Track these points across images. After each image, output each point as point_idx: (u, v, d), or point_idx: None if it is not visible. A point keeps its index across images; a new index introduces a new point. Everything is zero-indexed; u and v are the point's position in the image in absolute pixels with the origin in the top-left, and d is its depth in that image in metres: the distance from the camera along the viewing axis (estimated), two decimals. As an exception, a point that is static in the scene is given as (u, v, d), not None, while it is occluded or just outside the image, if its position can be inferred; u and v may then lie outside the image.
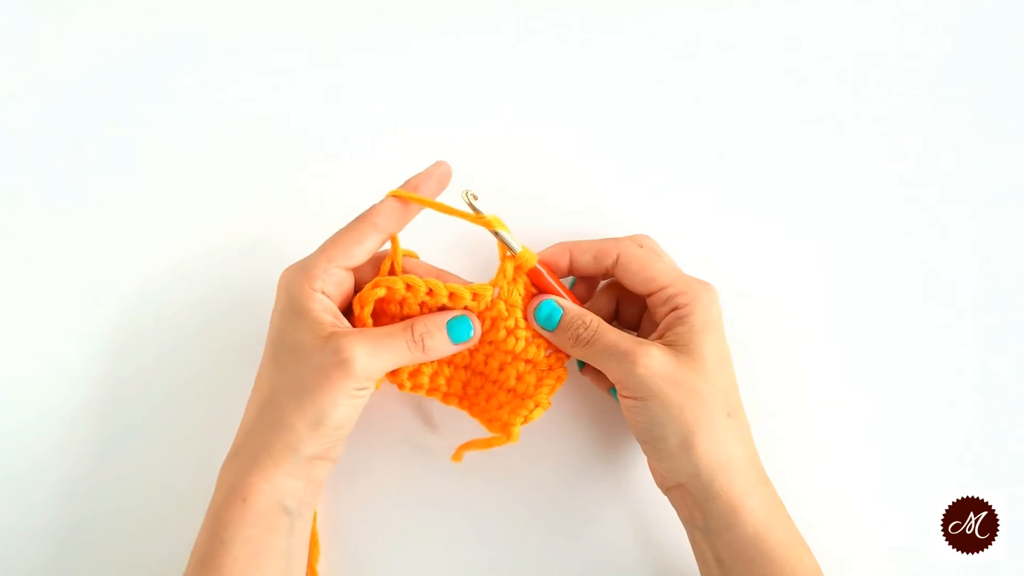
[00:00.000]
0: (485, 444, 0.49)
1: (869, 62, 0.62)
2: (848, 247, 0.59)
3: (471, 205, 0.48)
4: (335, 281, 0.47)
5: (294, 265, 0.48)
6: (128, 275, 0.59)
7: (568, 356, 0.51)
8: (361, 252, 0.48)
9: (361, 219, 0.48)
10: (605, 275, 0.52)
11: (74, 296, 0.59)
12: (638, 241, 0.53)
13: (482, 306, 0.49)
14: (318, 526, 0.53)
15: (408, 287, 0.48)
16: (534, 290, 0.50)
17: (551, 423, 0.55)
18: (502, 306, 0.49)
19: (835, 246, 0.59)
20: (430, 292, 0.48)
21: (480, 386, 0.52)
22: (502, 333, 0.50)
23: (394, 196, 0.48)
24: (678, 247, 0.54)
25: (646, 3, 0.64)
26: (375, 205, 0.48)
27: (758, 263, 0.59)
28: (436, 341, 0.48)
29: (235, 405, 0.50)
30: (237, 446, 0.47)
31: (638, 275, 0.49)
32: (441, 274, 0.51)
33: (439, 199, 0.49)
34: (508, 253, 0.49)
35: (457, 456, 0.51)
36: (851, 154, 0.61)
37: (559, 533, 0.54)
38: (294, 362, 0.46)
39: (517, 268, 0.49)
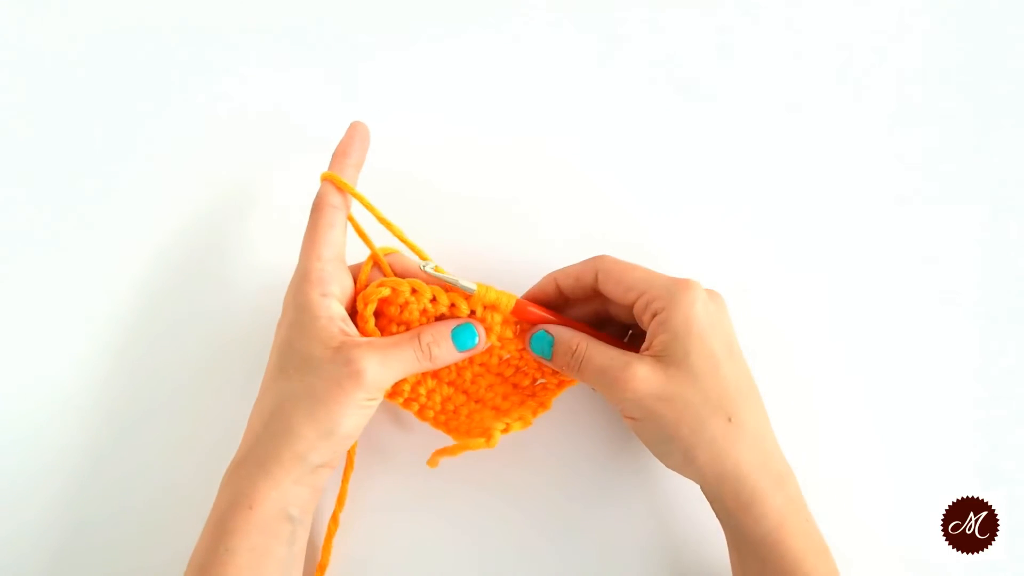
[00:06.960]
0: (463, 447, 0.49)
1: (871, 61, 0.62)
2: (849, 246, 0.59)
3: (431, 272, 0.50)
4: (341, 285, 0.48)
5: (293, 277, 0.49)
6: (130, 277, 0.59)
7: (555, 391, 0.52)
8: (338, 235, 0.49)
9: (317, 208, 0.49)
10: (595, 293, 0.51)
11: (78, 298, 0.58)
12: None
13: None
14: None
15: (413, 291, 0.49)
16: (517, 323, 0.51)
17: (564, 421, 0.56)
18: (495, 339, 0.50)
19: (836, 245, 0.59)
20: (433, 299, 0.49)
21: (462, 403, 0.53)
22: (495, 359, 0.52)
23: (326, 178, 0.50)
24: (677, 247, 0.55)
25: (645, 6, 0.63)
26: (318, 191, 0.50)
27: (758, 262, 0.59)
28: (442, 350, 0.49)
29: (237, 408, 0.51)
30: (243, 454, 0.47)
31: (617, 288, 0.49)
32: (422, 275, 0.51)
33: (373, 201, 0.50)
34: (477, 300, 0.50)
35: (433, 461, 0.50)
36: (852, 153, 0.61)
37: (572, 533, 0.54)
38: (303, 372, 0.46)
39: (493, 309, 0.50)
